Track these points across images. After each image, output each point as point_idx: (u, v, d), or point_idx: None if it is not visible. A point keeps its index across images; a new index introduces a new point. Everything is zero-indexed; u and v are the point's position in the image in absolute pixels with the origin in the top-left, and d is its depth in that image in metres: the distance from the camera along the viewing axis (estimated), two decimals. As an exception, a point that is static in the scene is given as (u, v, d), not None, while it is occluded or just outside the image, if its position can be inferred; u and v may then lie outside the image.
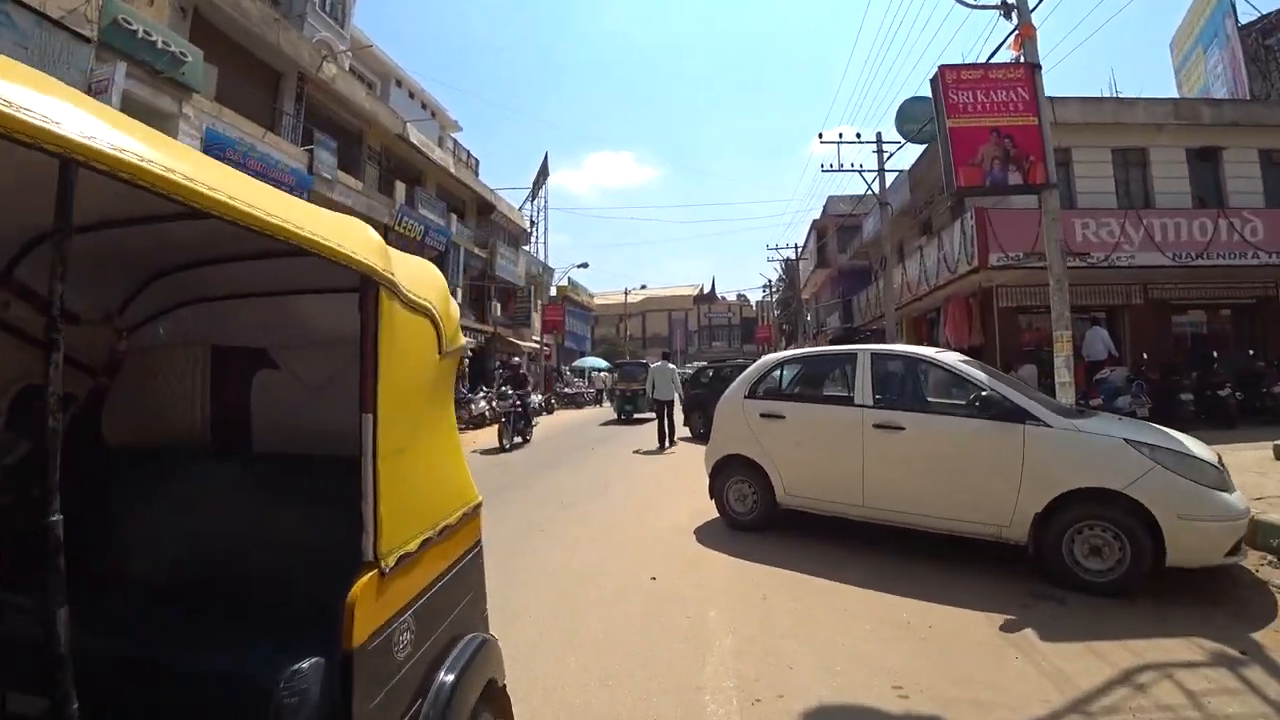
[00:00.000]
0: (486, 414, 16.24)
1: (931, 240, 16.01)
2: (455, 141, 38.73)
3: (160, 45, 12.23)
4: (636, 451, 12.23)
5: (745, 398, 5.90)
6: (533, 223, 39.61)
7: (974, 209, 13.19)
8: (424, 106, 38.98)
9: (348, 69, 25.56)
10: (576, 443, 13.47)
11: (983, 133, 7.13)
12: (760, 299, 63.93)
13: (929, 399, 5.18)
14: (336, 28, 27.81)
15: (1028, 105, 7.27)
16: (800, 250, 30.77)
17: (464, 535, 1.97)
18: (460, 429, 10.81)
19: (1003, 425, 4.36)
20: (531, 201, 40.52)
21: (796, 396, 5.89)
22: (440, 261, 23.54)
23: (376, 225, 19.97)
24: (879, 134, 15.26)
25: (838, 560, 4.69)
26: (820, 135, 15.48)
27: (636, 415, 18.54)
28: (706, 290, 70.57)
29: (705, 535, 5.57)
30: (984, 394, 4.50)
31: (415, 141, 21.78)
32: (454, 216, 24.52)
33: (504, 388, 13.91)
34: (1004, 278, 13.91)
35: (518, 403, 12.76)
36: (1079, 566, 4.07)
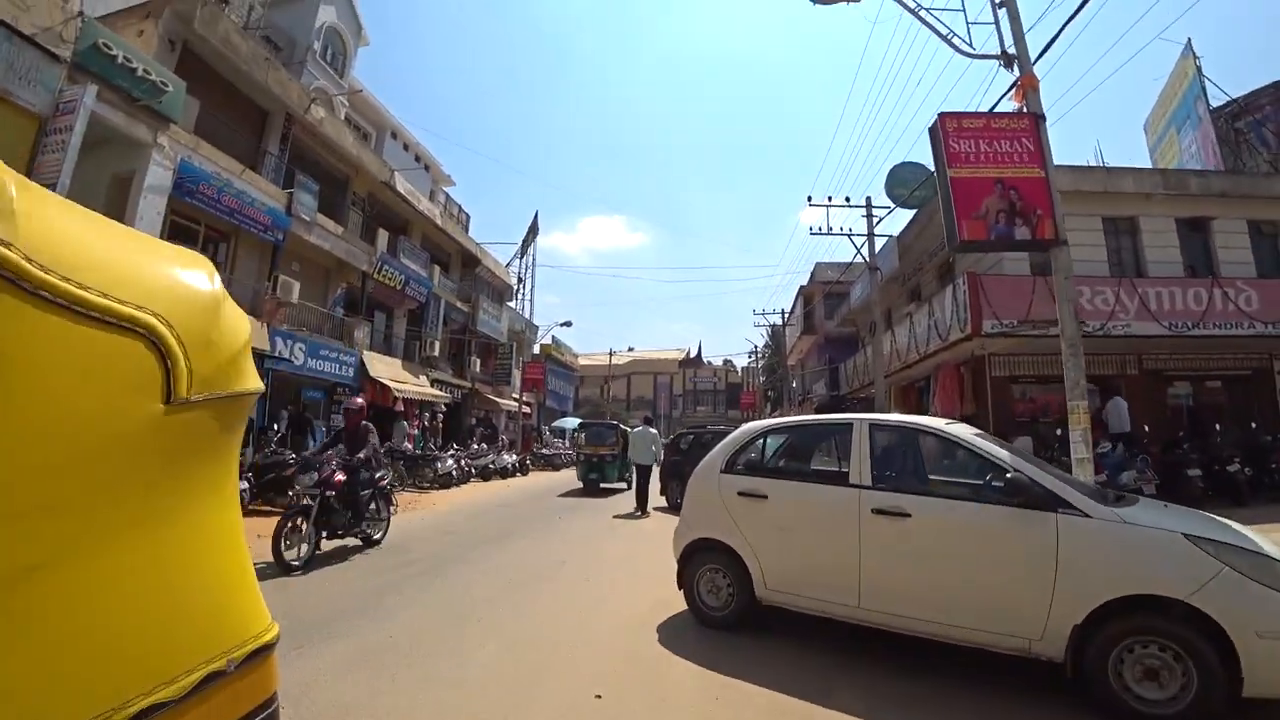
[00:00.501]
0: (454, 474, 15.20)
1: (921, 307, 15.58)
2: (447, 196, 38.93)
3: (141, 73, 11.91)
4: (616, 516, 11.44)
5: (722, 472, 5.07)
6: (520, 280, 39.42)
7: (966, 274, 12.78)
8: (418, 159, 39.19)
9: (343, 117, 25.63)
10: (537, 512, 12.19)
11: (986, 184, 6.62)
12: (746, 364, 63.74)
13: (938, 479, 4.42)
14: (335, 77, 28.09)
15: (1033, 156, 6.79)
16: (787, 316, 30.50)
17: (228, 702, 1.16)
18: (417, 489, 9.62)
19: (1030, 514, 3.57)
20: (520, 259, 40.44)
21: (781, 472, 5.07)
22: (420, 312, 22.93)
23: (354, 271, 19.44)
24: (868, 199, 15.03)
25: (827, 675, 3.81)
26: (809, 199, 15.19)
27: (604, 485, 16.31)
28: (693, 354, 70.44)
29: (669, 634, 4.66)
30: (1008, 475, 3.73)
31: (402, 191, 21.44)
32: (437, 268, 24.04)
33: (326, 450, 7.58)
34: (997, 346, 13.43)
35: (337, 478, 6.94)
36: (1131, 694, 3.25)
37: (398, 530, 8.74)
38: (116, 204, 12.57)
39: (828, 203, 15.22)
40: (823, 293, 27.89)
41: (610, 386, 52.41)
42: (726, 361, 69.87)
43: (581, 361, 52.77)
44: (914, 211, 16.56)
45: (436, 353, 22.69)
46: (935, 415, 15.36)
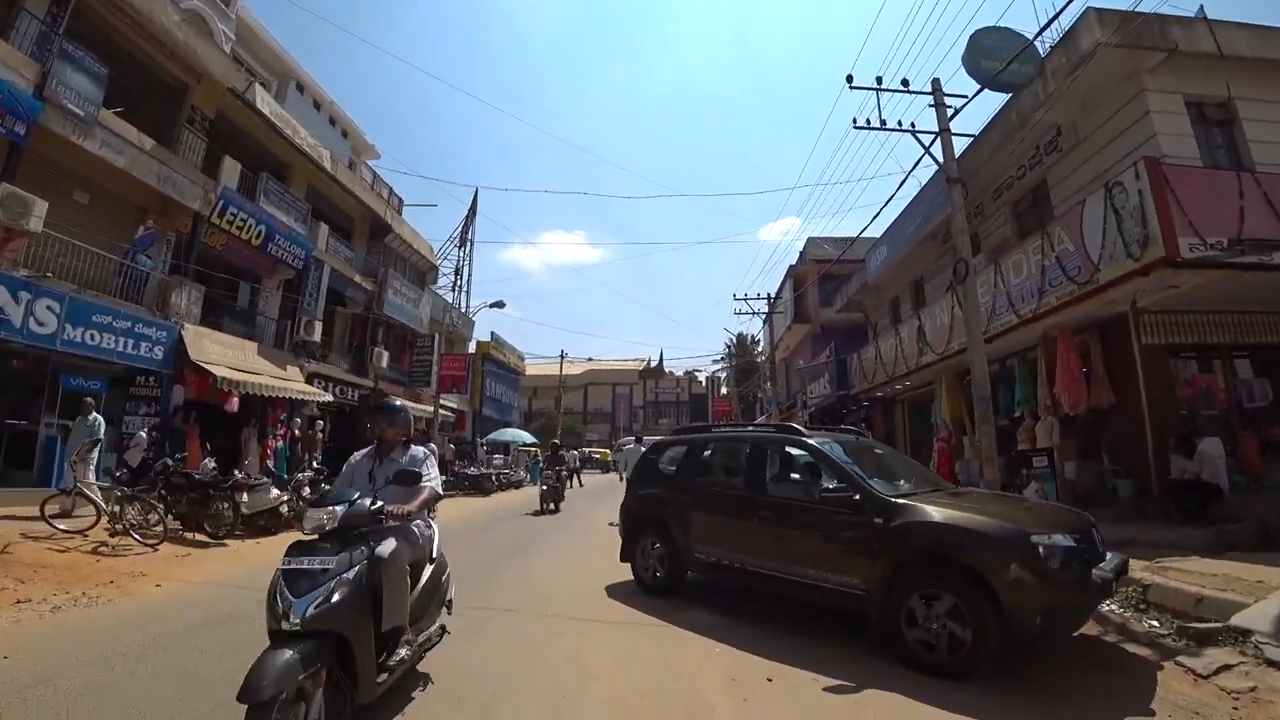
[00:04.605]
0: (285, 510, 9.23)
1: (1020, 247, 10.42)
2: (375, 174, 32.66)
3: None
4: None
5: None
6: (458, 272, 33.62)
7: (1143, 161, 7.65)
8: (333, 122, 33.15)
9: (229, 52, 19.73)
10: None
11: None
12: (711, 374, 58.86)
13: None
14: (215, -1, 22.21)
15: None
16: (772, 302, 25.41)
17: None
18: (209, 538, 6.76)
19: None
20: (460, 247, 34.67)
21: None
22: (297, 282, 16.97)
23: (179, 208, 13.42)
24: (935, 81, 9.84)
25: None
26: (850, 79, 9.95)
27: None
28: (654, 364, 65.14)
29: None
30: None
31: (265, 111, 15.52)
32: (325, 227, 18.11)
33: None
34: (1159, 295, 8.41)
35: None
36: None
37: None
38: None
39: (878, 86, 9.99)
40: (818, 273, 22.82)
41: (562, 392, 46.49)
42: (688, 372, 64.92)
43: (534, 371, 46.85)
44: (991, 116, 11.48)
45: (316, 337, 16.68)
46: (1051, 409, 10.15)
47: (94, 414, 9.21)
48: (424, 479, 3.64)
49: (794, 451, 5.86)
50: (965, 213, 12.73)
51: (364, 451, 3.98)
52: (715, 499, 6.15)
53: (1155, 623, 4.96)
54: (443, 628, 3.96)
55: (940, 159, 9.65)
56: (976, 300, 9.27)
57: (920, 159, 9.86)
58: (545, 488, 14.99)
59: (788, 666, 4.31)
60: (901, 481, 5.39)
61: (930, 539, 4.34)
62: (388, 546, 3.18)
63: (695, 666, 4.37)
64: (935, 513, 4.44)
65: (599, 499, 17.83)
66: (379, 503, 3.26)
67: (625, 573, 6.88)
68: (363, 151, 35.62)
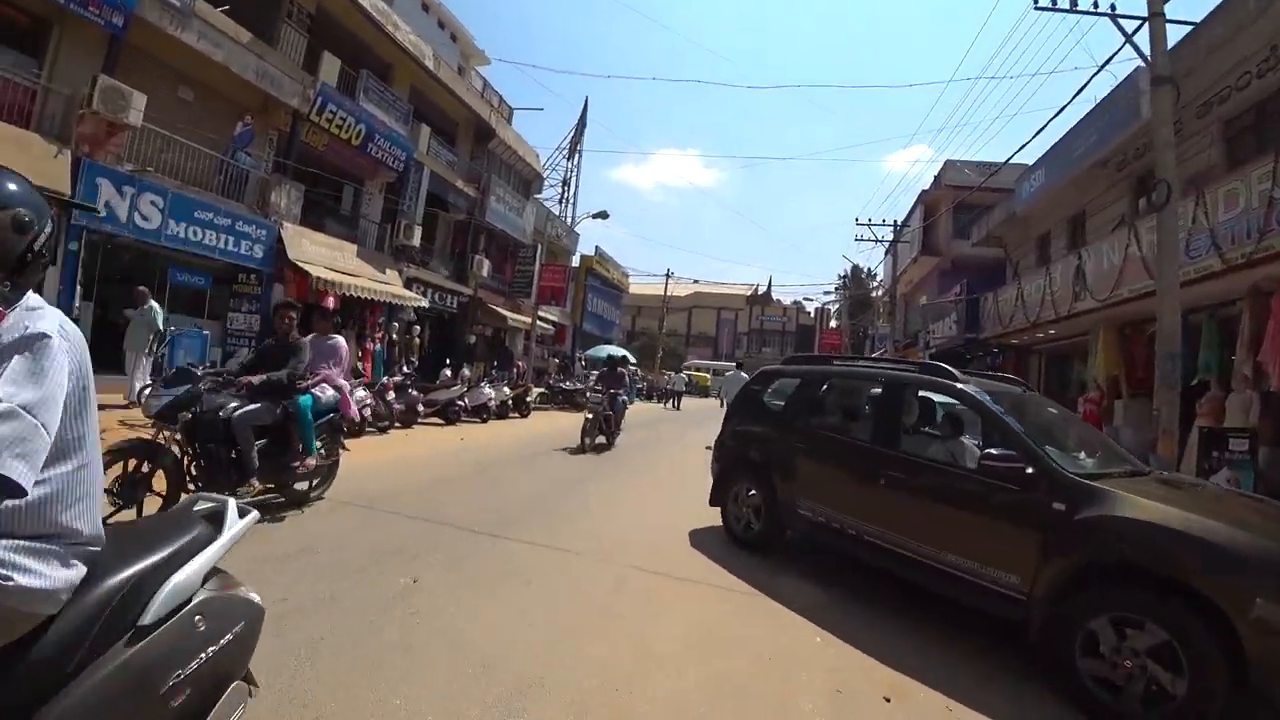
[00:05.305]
0: (367, 415, 9.00)
1: (1240, 174, 8.23)
2: (485, 81, 31.82)
3: None
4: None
5: None
6: (565, 183, 32.94)
7: None
8: (442, 25, 32.40)
9: None
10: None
11: None
12: (821, 305, 56.12)
13: None
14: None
15: None
16: (898, 229, 23.00)
17: None
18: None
19: None
20: (570, 159, 33.81)
21: None
22: (398, 185, 16.72)
23: (278, 105, 13.20)
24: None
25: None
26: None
27: None
28: (761, 291, 62.87)
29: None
30: None
31: (365, 4, 14.84)
32: (426, 129, 17.61)
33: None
34: None
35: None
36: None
37: None
38: None
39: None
40: (953, 201, 20.28)
41: (667, 316, 45.74)
42: (796, 302, 62.38)
43: (637, 290, 46.17)
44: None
45: (415, 241, 16.49)
46: (1251, 380, 8.14)
47: (150, 302, 8.78)
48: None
49: (939, 399, 4.68)
50: (1116, 158, 10.47)
51: None
52: (830, 446, 5.11)
53: None
54: None
55: (1147, 52, 7.57)
56: (1175, 233, 7.39)
57: (1119, 50, 7.76)
58: (590, 415, 10.93)
59: (912, 681, 3.34)
60: (1083, 455, 4.13)
61: (1135, 543, 3.15)
62: None
63: (790, 663, 3.48)
64: (1146, 507, 3.23)
65: (699, 427, 16.68)
66: None
67: (715, 517, 6.07)
68: (472, 56, 34.85)
